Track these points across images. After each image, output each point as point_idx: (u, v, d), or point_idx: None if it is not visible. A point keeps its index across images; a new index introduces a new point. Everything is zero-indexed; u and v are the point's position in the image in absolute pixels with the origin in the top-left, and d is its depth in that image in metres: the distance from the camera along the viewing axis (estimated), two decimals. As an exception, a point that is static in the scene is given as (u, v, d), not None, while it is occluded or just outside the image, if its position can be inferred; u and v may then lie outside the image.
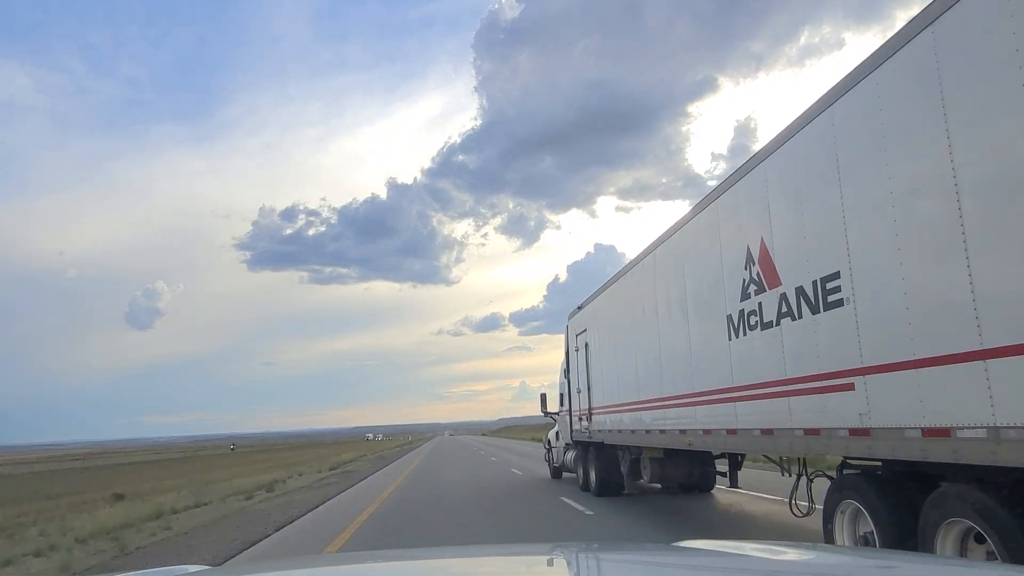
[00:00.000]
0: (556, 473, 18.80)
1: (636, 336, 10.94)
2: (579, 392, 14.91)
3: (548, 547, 3.36)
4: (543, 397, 18.94)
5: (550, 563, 2.30)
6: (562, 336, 16.64)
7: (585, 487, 14.63)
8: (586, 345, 14.24)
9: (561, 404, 17.73)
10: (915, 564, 2.02)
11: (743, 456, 12.16)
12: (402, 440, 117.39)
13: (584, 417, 14.43)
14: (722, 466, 12.78)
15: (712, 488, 13.16)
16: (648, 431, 10.50)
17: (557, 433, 18.41)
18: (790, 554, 2.11)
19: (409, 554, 3.27)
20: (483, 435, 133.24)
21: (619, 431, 12.10)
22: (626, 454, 12.44)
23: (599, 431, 13.39)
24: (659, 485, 12.55)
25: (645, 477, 11.77)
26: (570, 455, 16.42)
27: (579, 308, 14.97)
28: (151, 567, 3.41)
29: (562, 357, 17.35)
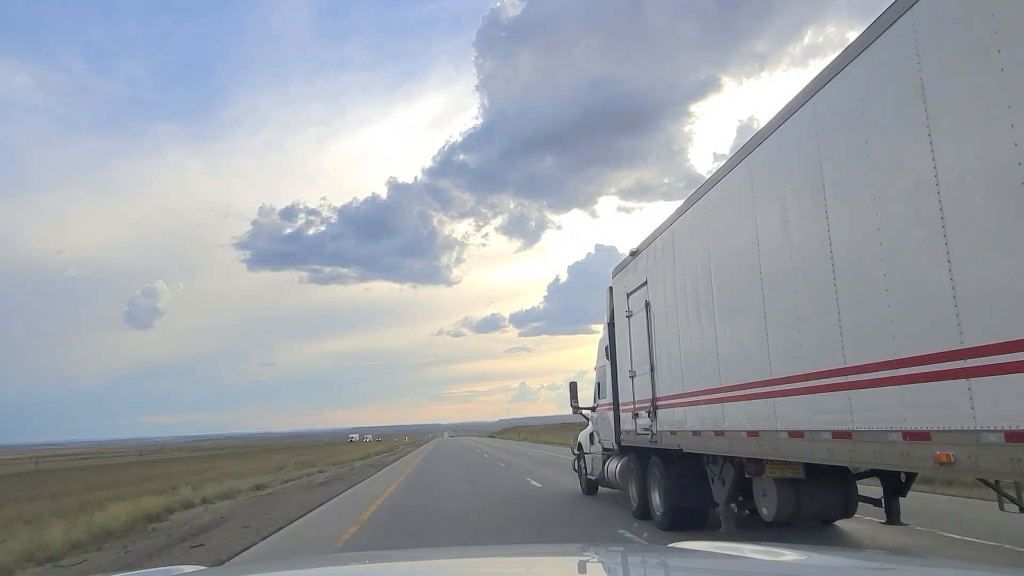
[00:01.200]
0: (590, 488, 14.08)
1: (768, 264, 6.32)
2: (633, 376, 10.30)
3: (547, 548, 3.63)
4: (573, 387, 14.21)
5: (549, 564, 2.27)
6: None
7: (643, 514, 9.98)
8: (646, 305, 9.62)
9: (598, 396, 13.08)
10: (915, 566, 1.95)
11: (911, 475, 7.61)
12: (395, 442, 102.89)
13: (643, 412, 9.80)
14: (865, 487, 8.24)
15: (853, 515, 8.64)
16: (795, 434, 5.88)
17: (592, 435, 13.71)
18: (788, 555, 2.03)
19: (412, 555, 3.09)
20: (490, 436, 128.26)
21: (714, 433, 7.48)
22: (726, 469, 7.78)
23: (671, 432, 8.78)
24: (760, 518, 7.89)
25: (766, 510, 7.04)
26: (613, 465, 11.76)
27: (634, 254, 10.33)
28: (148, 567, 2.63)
29: (601, 334, 12.74)
